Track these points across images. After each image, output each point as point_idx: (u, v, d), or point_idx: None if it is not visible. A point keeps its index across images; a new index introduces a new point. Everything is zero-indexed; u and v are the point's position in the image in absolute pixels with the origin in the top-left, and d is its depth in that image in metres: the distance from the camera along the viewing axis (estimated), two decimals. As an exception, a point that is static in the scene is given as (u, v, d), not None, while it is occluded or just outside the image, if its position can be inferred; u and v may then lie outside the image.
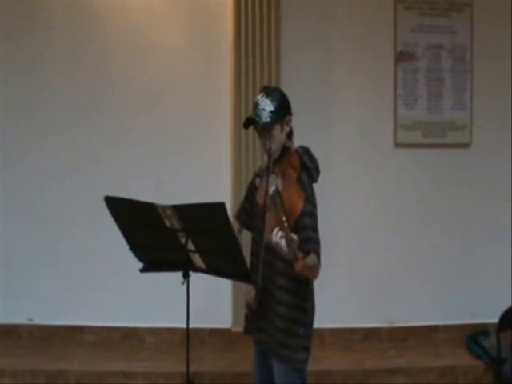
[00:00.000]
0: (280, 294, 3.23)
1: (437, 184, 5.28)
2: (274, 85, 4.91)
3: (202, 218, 2.99)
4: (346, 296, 5.20)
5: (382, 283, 5.22)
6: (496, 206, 5.29)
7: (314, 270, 2.98)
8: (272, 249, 3.00)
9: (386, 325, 5.24)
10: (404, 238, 5.27)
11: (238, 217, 3.61)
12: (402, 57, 5.24)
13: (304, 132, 5.01)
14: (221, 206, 2.89)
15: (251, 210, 3.47)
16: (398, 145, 5.26)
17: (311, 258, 2.93)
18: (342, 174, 5.22)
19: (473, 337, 5.06)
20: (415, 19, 5.23)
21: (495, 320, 4.45)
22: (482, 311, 5.12)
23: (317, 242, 3.12)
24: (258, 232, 3.24)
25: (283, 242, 2.82)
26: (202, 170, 5.14)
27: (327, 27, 5.23)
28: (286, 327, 3.24)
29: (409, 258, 5.27)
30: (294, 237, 2.81)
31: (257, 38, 5.03)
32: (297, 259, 2.79)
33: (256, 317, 3.38)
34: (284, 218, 2.79)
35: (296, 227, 3.04)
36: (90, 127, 5.17)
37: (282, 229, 2.82)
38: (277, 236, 2.87)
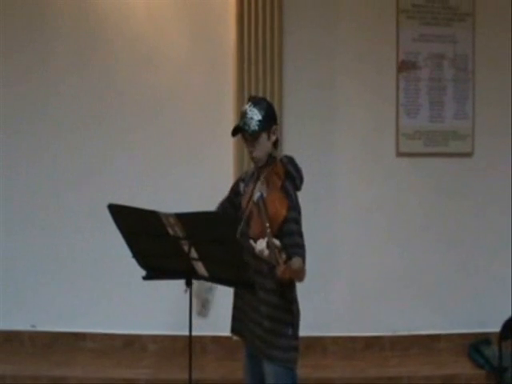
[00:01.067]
0: (265, 295, 3.27)
1: (439, 193, 5.28)
2: (276, 94, 4.97)
3: (205, 226, 3.00)
4: (348, 304, 5.20)
5: (384, 292, 5.22)
6: (498, 214, 5.30)
7: (299, 273, 3.09)
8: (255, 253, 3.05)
9: (388, 333, 5.24)
10: (406, 247, 5.27)
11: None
12: (404, 66, 5.25)
13: (306, 141, 5.10)
14: (224, 215, 2.90)
15: (232, 211, 3.51)
16: (399, 154, 5.27)
17: (296, 262, 3.03)
18: (344, 182, 5.23)
19: (474, 346, 5.05)
20: (417, 29, 5.25)
21: (497, 329, 4.46)
22: (484, 320, 5.12)
23: (302, 247, 3.20)
24: (243, 236, 3.28)
25: (265, 249, 2.87)
26: (205, 177, 5.15)
27: (330, 37, 5.25)
28: (274, 328, 3.28)
29: (411, 267, 5.27)
30: (277, 242, 2.87)
31: (260, 48, 5.06)
32: (278, 264, 2.85)
33: (242, 318, 3.43)
34: (267, 225, 2.85)
35: (281, 233, 3.13)
36: (93, 134, 5.19)
37: (265, 235, 2.87)
38: (260, 244, 2.91)
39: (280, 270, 2.88)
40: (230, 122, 5.05)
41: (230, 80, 5.10)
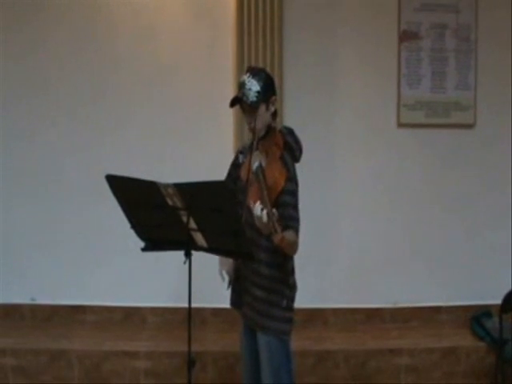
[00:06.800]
0: (261, 267, 3.31)
1: (440, 164, 5.25)
2: (276, 67, 4.92)
3: (204, 197, 2.98)
4: (349, 276, 5.20)
5: (385, 264, 5.21)
6: (499, 186, 5.27)
7: (291, 246, 3.13)
8: (254, 225, 3.06)
9: (388, 305, 5.25)
10: (407, 219, 5.26)
11: None
12: (406, 36, 5.19)
13: (307, 112, 5.06)
14: (223, 184, 2.89)
15: (233, 186, 3.52)
16: (401, 125, 5.22)
17: (289, 234, 3.07)
18: (345, 154, 5.20)
19: (475, 318, 5.06)
20: (419, -2, 5.20)
21: (498, 301, 4.45)
22: (485, 292, 5.12)
23: (296, 220, 3.23)
24: (242, 207, 3.29)
25: (264, 215, 2.88)
26: (205, 151, 5.12)
27: (330, 8, 5.18)
28: (268, 298, 3.32)
29: (412, 239, 5.26)
30: (274, 211, 2.90)
31: (260, 21, 4.99)
32: (276, 232, 2.88)
33: (240, 290, 3.48)
34: (265, 193, 2.88)
35: (276, 204, 3.13)
36: (92, 107, 5.15)
37: (263, 202, 2.90)
38: (258, 209, 2.92)
39: (277, 238, 2.91)
40: (230, 94, 4.97)
41: (230, 53, 5.04)
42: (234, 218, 2.95)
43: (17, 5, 5.08)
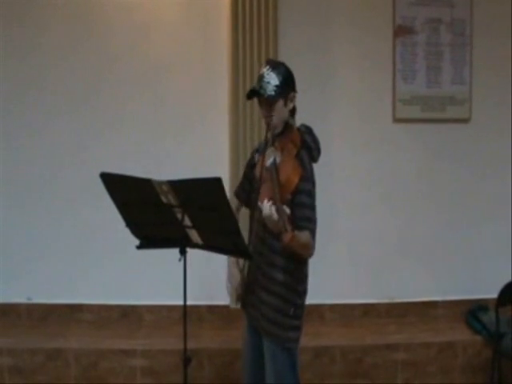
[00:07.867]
0: (275, 272, 3.23)
1: (436, 159, 5.25)
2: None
3: (199, 194, 2.97)
4: (346, 272, 5.20)
5: (381, 259, 5.21)
6: (495, 181, 5.28)
7: (306, 247, 3.07)
8: (267, 226, 2.98)
9: (385, 301, 5.25)
10: (403, 214, 5.26)
11: (236, 194, 3.60)
12: (401, 31, 5.18)
13: (302, 107, 4.99)
14: (217, 181, 2.86)
15: (249, 188, 3.45)
16: (396, 120, 5.22)
17: (303, 235, 3.00)
18: (341, 149, 5.19)
19: (472, 312, 5.06)
20: (414, -7, 5.19)
21: (494, 295, 4.45)
22: (481, 286, 5.12)
23: (313, 221, 3.13)
24: (255, 204, 3.24)
25: (274, 213, 2.81)
26: (200, 147, 5.11)
27: (325, 2, 5.18)
28: (279, 306, 3.24)
29: (408, 234, 5.26)
30: (286, 209, 2.81)
31: (254, 15, 4.97)
32: (286, 230, 2.80)
33: (248, 292, 3.39)
34: (277, 190, 2.78)
35: (292, 204, 3.06)
36: (88, 105, 5.12)
37: (274, 200, 2.81)
38: (267, 207, 2.86)
39: (287, 238, 2.83)
40: (225, 91, 5.01)
41: (225, 50, 5.02)
42: (228, 214, 2.93)
43: (12, 4, 5.06)
